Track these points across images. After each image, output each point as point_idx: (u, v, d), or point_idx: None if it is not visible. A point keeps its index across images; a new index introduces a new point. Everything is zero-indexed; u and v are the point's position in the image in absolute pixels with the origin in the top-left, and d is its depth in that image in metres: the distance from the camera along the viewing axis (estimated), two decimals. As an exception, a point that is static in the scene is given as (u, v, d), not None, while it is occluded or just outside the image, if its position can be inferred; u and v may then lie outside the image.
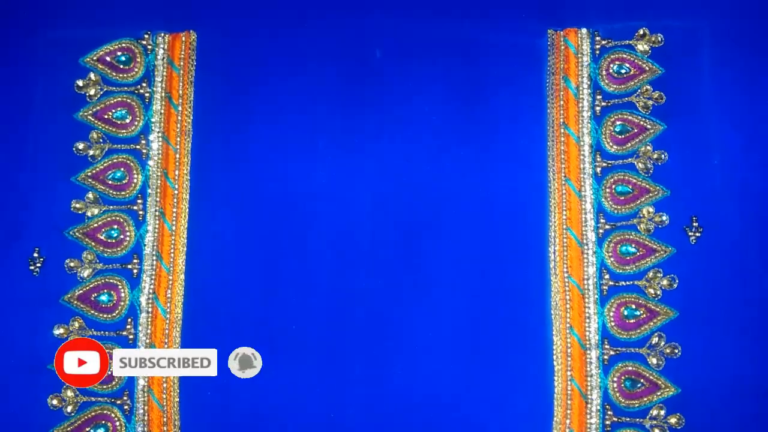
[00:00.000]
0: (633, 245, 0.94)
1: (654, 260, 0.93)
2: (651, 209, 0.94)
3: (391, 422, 0.93)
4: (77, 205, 0.96)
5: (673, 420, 0.90)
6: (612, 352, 0.92)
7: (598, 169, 0.95)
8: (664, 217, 0.93)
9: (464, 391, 0.92)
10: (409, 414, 0.92)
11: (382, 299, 0.94)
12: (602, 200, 0.95)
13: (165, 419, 0.93)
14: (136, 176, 0.97)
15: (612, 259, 0.94)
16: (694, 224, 0.93)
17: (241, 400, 0.94)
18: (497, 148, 0.96)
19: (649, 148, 0.95)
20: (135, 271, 0.96)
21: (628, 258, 0.93)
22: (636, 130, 0.96)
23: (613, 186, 0.95)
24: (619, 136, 0.96)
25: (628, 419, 0.91)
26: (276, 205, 0.97)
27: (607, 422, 0.91)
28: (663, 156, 0.94)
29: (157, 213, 0.96)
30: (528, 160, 0.96)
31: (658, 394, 0.91)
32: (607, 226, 0.94)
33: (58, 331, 0.93)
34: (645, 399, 0.91)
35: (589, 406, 0.91)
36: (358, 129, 0.98)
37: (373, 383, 0.93)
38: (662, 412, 0.90)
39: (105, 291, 0.95)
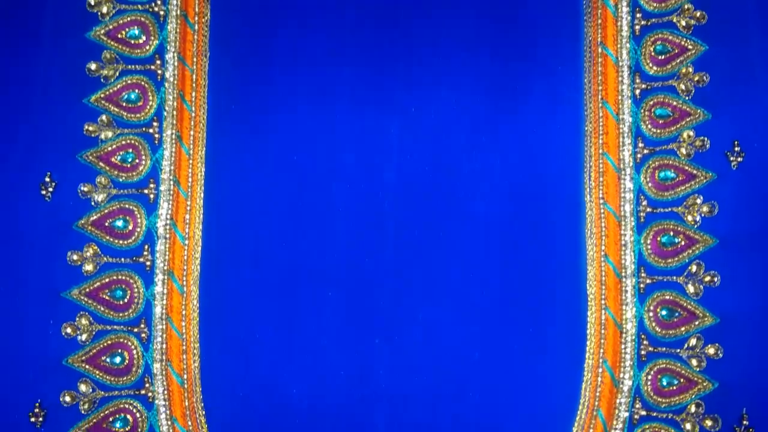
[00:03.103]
0: (672, 170, 0.93)
1: (694, 186, 0.93)
2: (691, 133, 0.93)
3: (425, 357, 0.93)
4: (90, 128, 0.96)
5: (711, 350, 0.90)
6: (648, 281, 0.92)
7: (637, 92, 0.94)
8: (705, 142, 0.93)
9: (497, 323, 0.93)
10: (440, 342, 0.93)
11: (411, 234, 0.95)
12: (641, 124, 0.94)
13: (184, 347, 0.93)
14: (151, 98, 0.97)
15: (650, 184, 0.93)
16: (736, 149, 0.93)
17: (262, 331, 0.94)
18: (531, 69, 0.96)
19: (690, 69, 0.94)
20: (151, 196, 0.95)
21: (666, 184, 0.93)
22: (677, 51, 0.95)
23: (653, 109, 0.94)
24: (659, 57, 0.95)
25: (664, 349, 0.91)
26: (297, 130, 0.97)
27: (643, 352, 0.91)
28: (704, 78, 0.94)
29: (173, 136, 0.96)
30: (563, 81, 0.96)
31: (696, 323, 0.91)
32: (645, 151, 0.94)
33: (73, 258, 0.94)
34: (682, 329, 0.91)
35: (623, 335, 0.91)
36: (385, 53, 0.97)
37: (403, 319, 0.94)
38: (700, 343, 0.91)
39: (120, 216, 0.95)
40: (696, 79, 0.94)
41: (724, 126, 0.93)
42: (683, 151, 0.93)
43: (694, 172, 0.93)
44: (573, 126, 0.96)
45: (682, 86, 0.94)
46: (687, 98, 0.94)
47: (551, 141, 0.95)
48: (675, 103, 0.94)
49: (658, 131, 0.94)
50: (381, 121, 0.97)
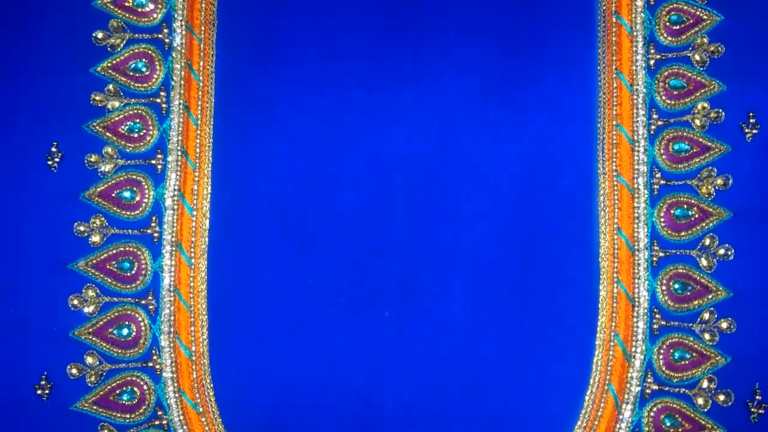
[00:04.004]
0: (686, 142, 0.93)
1: (708, 158, 0.92)
2: (706, 104, 0.93)
3: (435, 331, 0.93)
4: (97, 98, 0.95)
5: (724, 325, 0.90)
6: (661, 254, 0.92)
7: (652, 62, 0.94)
8: (719, 113, 0.92)
9: (508, 297, 0.93)
10: (450, 317, 0.93)
11: (423, 204, 0.94)
12: (655, 95, 0.94)
13: (192, 320, 0.93)
14: (158, 67, 0.96)
15: (664, 156, 0.93)
16: (751, 120, 0.92)
17: (271, 304, 0.94)
18: (544, 40, 0.95)
19: (705, 40, 0.93)
20: (159, 167, 0.95)
21: (681, 156, 0.93)
22: (691, 21, 0.94)
23: (667, 80, 0.93)
24: (674, 27, 0.94)
25: (676, 323, 0.91)
26: (307, 103, 0.96)
27: (655, 326, 0.91)
28: (720, 49, 0.93)
29: (181, 106, 0.95)
30: (577, 52, 0.95)
31: (709, 297, 0.91)
32: (659, 122, 0.93)
33: (80, 229, 0.93)
34: (695, 302, 0.91)
35: (636, 309, 0.91)
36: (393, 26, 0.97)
37: (413, 293, 0.94)
38: (713, 317, 0.90)
39: (127, 187, 0.94)
40: (711, 49, 0.93)
41: (739, 97, 0.93)
42: (697, 122, 0.93)
43: (709, 144, 0.92)
44: (587, 97, 0.95)
45: (697, 57, 0.93)
46: (702, 69, 0.93)
47: (564, 113, 0.95)
48: (690, 74, 0.93)
49: (673, 102, 0.93)
50: (394, 86, 0.96)
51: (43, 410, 0.91)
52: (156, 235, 0.94)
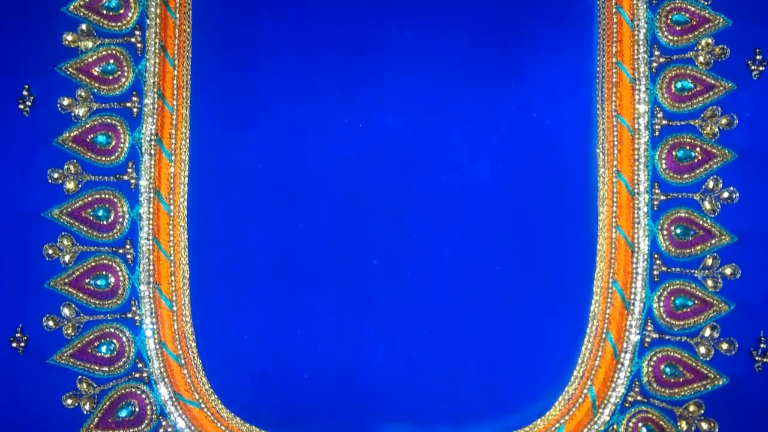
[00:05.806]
0: (689, 80, 0.89)
1: (712, 97, 0.88)
2: (710, 40, 0.89)
3: (430, 282, 0.90)
4: (69, 38, 0.91)
5: (727, 270, 0.87)
6: (663, 198, 0.88)
7: (653, -4, 0.90)
8: (724, 50, 0.88)
9: (502, 243, 0.90)
10: (446, 268, 0.90)
11: (415, 161, 0.91)
12: (657, 31, 0.90)
13: (173, 269, 0.90)
14: (132, 4, 0.91)
15: (666, 95, 0.89)
16: (758, 57, 0.88)
17: (254, 252, 0.91)
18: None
19: (710, -28, 0.90)
20: (135, 110, 0.91)
21: (683, 94, 0.89)
22: (696, -48, 0.90)
23: (669, 15, 0.89)
24: (677, -41, 0.90)
25: (678, 269, 0.88)
26: (288, 40, 0.92)
27: (655, 272, 0.88)
28: (725, -19, 0.89)
29: (157, 46, 0.91)
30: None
31: (713, 242, 0.88)
32: (661, 60, 0.89)
33: (53, 176, 0.89)
34: (698, 248, 0.88)
35: (635, 255, 0.88)
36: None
37: (407, 242, 0.91)
38: (716, 262, 0.87)
39: (102, 132, 0.90)
40: (716, -18, 0.89)
41: (745, 33, 0.89)
42: (701, 59, 0.89)
43: (713, 82, 0.88)
44: (585, 34, 0.91)
45: (702, -10, 0.89)
46: (706, 3, 0.89)
47: (561, 51, 0.91)
48: (693, 9, 0.89)
49: (675, 39, 0.89)
50: (384, 30, 0.92)
51: (19, 364, 0.89)
52: (133, 181, 0.90)
